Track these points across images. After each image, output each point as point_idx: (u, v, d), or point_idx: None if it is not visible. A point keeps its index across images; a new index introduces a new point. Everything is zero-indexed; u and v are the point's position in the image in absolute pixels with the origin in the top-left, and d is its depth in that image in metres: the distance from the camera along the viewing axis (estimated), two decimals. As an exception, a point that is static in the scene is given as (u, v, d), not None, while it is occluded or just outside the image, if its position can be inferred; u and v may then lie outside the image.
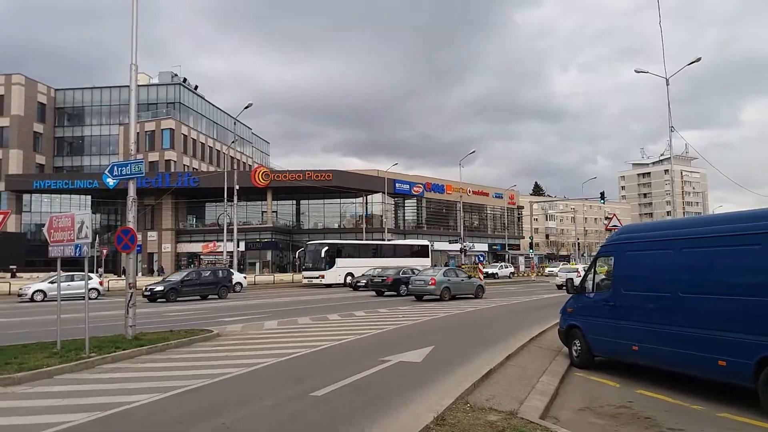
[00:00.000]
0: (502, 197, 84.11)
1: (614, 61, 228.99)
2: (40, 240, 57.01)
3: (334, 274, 40.64)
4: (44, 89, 71.97)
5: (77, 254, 10.87)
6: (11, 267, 41.95)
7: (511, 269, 60.58)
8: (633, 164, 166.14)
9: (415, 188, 70.00)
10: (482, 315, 19.34)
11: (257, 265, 60.22)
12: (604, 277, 10.66)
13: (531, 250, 55.70)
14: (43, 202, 65.06)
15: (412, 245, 49.10)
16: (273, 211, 63.97)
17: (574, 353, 10.57)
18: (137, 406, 7.26)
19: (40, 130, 70.95)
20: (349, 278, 41.17)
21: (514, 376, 9.07)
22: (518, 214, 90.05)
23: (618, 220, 23.38)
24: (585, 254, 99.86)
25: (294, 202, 68.07)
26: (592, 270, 10.57)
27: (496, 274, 55.13)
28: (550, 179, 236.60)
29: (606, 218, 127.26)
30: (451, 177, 76.92)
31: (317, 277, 40.62)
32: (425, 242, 51.21)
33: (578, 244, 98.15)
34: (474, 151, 60.28)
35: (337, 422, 6.47)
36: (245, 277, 38.07)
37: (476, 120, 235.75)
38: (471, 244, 70.37)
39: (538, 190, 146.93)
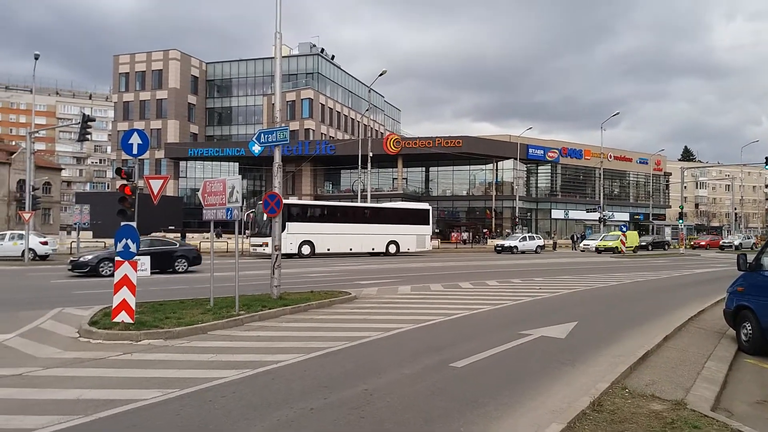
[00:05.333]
0: (647, 163, 77.95)
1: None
2: (195, 203, 62.45)
3: (282, 242, 32.27)
4: (197, 63, 77.64)
5: (228, 217, 11.47)
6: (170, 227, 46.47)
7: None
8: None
9: (549, 153, 66.89)
10: (627, 289, 18.01)
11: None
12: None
13: (681, 221, 51.02)
14: (197, 169, 70.89)
15: (405, 209, 41.08)
16: (403, 178, 64.56)
17: (743, 337, 9.39)
18: (283, 366, 7.49)
19: (194, 102, 76.90)
20: (306, 248, 33.96)
21: (675, 359, 8.20)
22: (666, 180, 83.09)
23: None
24: (741, 225, 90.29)
25: (423, 168, 68.08)
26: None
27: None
28: (703, 143, 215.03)
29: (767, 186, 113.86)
30: (590, 141, 72.77)
31: (260, 245, 33.08)
32: (425, 206, 42.70)
33: (734, 214, 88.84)
34: (618, 113, 56.48)
35: (480, 397, 6.18)
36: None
37: (622, 80, 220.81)
38: (611, 213, 66.28)
39: (687, 155, 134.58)
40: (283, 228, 30.84)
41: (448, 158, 63.11)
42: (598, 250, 46.06)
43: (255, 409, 5.78)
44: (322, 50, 76.67)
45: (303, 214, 35.53)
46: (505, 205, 63.11)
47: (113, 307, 9.75)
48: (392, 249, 38.66)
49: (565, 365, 7.72)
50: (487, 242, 56.61)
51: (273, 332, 10.02)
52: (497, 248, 45.93)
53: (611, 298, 15.62)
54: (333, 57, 79.30)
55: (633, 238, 48.86)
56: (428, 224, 41.14)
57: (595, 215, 57.23)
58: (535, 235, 49.91)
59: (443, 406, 5.92)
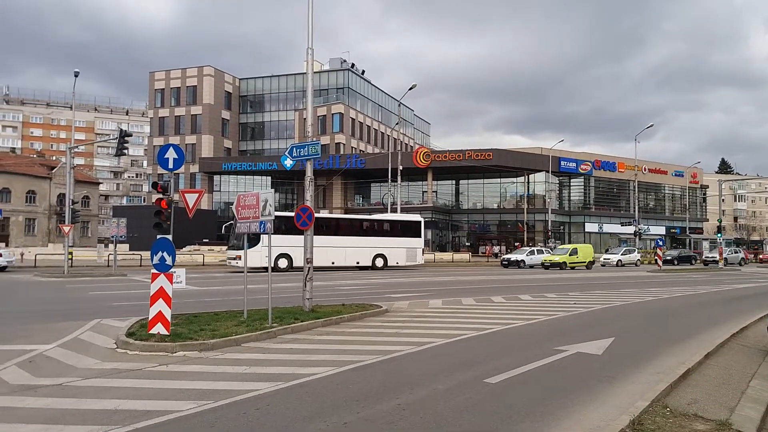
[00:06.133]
0: (682, 176, 76.30)
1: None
2: (228, 216, 63.25)
3: (256, 255, 28.18)
4: (230, 79, 79.14)
5: (261, 230, 11.60)
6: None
7: None
8: None
9: (582, 166, 66.02)
10: (665, 305, 17.55)
11: (418, 243, 61.23)
12: None
13: (719, 235, 49.65)
14: (230, 183, 72.04)
15: (394, 221, 39.43)
16: (433, 191, 64.45)
17: (789, 356, 9.07)
18: (316, 379, 7.50)
19: (227, 117, 78.33)
20: (283, 261, 32.42)
21: (717, 378, 7.94)
22: (703, 193, 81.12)
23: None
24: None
25: (454, 181, 67.92)
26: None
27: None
28: (741, 155, 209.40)
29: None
30: (624, 153, 71.78)
31: (234, 258, 32.15)
32: (417, 217, 40.86)
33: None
34: (652, 125, 54.86)
35: (515, 414, 6.07)
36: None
37: (656, 90, 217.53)
38: (646, 226, 64.96)
39: (725, 168, 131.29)
40: (258, 241, 29.92)
41: (478, 171, 62.84)
42: (544, 266, 41.85)
43: (288, 422, 5.79)
44: (353, 65, 77.44)
45: (280, 226, 32.34)
46: (537, 218, 62.42)
47: (149, 318, 9.92)
48: (379, 263, 36.92)
49: (602, 382, 7.54)
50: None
51: (305, 345, 10.05)
52: (504, 262, 44.12)
53: (648, 314, 15.24)
54: (363, 72, 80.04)
55: (586, 252, 43.27)
56: (420, 236, 39.50)
57: (630, 229, 56.19)
58: (544, 249, 47.66)
59: (478, 422, 5.84)
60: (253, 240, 30.13)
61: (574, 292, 21.40)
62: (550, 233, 58.13)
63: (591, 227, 67.81)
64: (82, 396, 6.71)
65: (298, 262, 32.08)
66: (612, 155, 71.09)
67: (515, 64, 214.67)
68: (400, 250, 37.83)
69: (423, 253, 40.85)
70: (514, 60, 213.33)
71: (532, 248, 46.72)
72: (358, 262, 36.07)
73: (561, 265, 40.90)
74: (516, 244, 59.97)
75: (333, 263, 34.59)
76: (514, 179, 64.62)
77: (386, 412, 6.08)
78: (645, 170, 70.22)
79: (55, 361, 8.66)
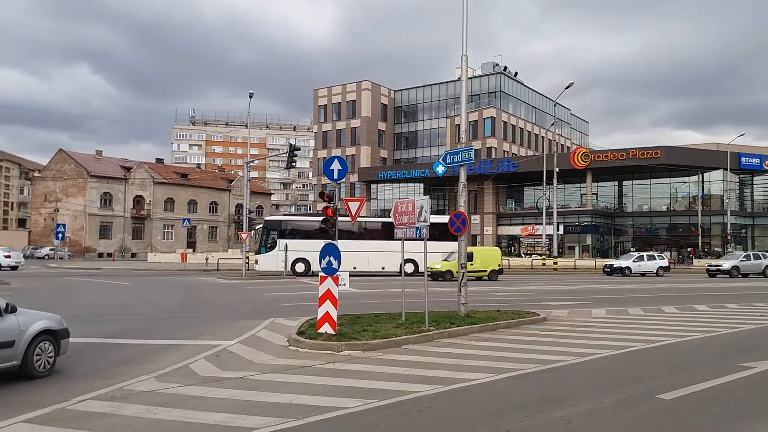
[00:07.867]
0: None
1: None
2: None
3: (272, 260, 31.97)
4: (386, 92, 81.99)
5: (417, 235, 11.92)
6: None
7: None
8: None
9: (767, 162, 58.44)
10: None
11: (576, 249, 58.50)
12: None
13: None
14: (386, 190, 74.53)
15: (431, 223, 31.91)
16: (593, 193, 61.06)
17: None
18: (475, 385, 7.52)
19: (383, 128, 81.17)
20: (300, 266, 32.33)
21: None
22: None
23: None
24: None
25: (616, 183, 63.70)
26: None
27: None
28: None
29: None
30: (822, 146, 62.25)
31: (255, 262, 33.48)
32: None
33: None
34: None
35: (695, 435, 5.59)
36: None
37: None
38: None
39: None
40: (274, 245, 31.19)
41: (644, 171, 58.44)
42: (432, 275, 31.18)
43: (451, 425, 5.87)
44: (505, 68, 76.18)
45: (299, 231, 33.21)
46: (713, 220, 56.45)
47: (318, 318, 10.63)
48: (409, 268, 32.00)
49: (801, 406, 6.66)
50: (693, 262, 50.90)
51: (462, 350, 10.11)
52: (606, 269, 39.31)
53: None
54: (516, 74, 78.38)
55: (487, 257, 33.14)
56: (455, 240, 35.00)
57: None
58: (656, 255, 41.41)
59: (651, 440, 5.48)
60: (267, 244, 32.35)
61: (763, 302, 19.05)
62: (729, 237, 52.26)
63: (779, 230, 59.74)
64: (261, 389, 7.36)
65: (316, 266, 30.56)
66: (806, 148, 62.11)
67: (685, 54, 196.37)
68: (435, 255, 32.51)
69: None
70: (684, 49, 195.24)
71: (641, 253, 41.18)
72: (383, 268, 32.98)
73: (443, 275, 31.04)
74: (688, 249, 54.83)
75: (354, 268, 30.72)
76: (685, 179, 59.10)
77: (550, 423, 5.91)
78: None
79: (237, 356, 9.61)
